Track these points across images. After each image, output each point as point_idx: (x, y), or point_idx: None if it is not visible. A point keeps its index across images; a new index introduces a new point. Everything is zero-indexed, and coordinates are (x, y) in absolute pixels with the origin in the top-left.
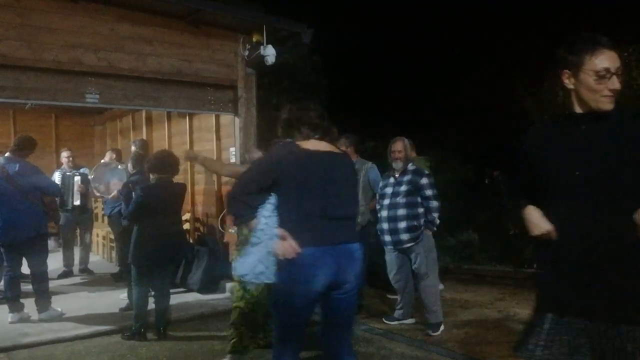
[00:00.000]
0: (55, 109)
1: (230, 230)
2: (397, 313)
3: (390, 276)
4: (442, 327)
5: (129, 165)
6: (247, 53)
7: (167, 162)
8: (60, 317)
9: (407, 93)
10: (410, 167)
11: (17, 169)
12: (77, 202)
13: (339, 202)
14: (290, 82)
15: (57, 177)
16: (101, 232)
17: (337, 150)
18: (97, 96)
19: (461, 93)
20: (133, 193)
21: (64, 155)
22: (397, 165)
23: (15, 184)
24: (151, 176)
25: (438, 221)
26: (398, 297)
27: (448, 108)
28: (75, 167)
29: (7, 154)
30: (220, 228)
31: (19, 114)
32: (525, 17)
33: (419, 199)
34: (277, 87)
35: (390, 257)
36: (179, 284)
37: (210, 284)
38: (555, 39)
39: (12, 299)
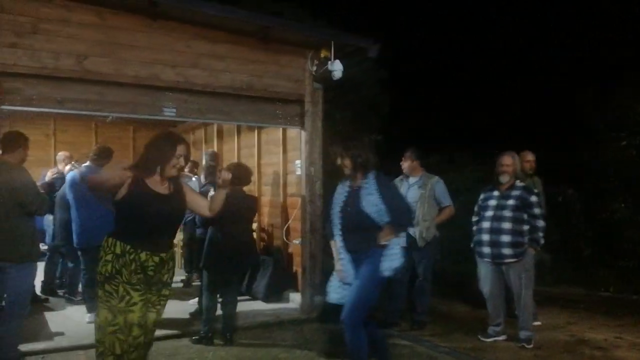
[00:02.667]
0: (134, 122)
1: (294, 241)
2: (492, 330)
3: (484, 290)
4: (532, 342)
5: (202, 177)
6: (314, 68)
7: (241, 174)
8: None
9: (473, 106)
10: (519, 183)
11: None
12: None
13: None
14: (354, 96)
15: None
16: None
17: None
18: (174, 110)
19: (530, 107)
20: None
21: None
22: (504, 178)
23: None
24: None
25: (543, 241)
26: (491, 314)
27: (519, 123)
28: None
29: (87, 163)
30: (285, 239)
31: (100, 126)
32: (593, 27)
33: (525, 216)
34: (342, 101)
35: (486, 270)
36: (244, 291)
37: (274, 293)
38: (625, 51)
39: (90, 299)
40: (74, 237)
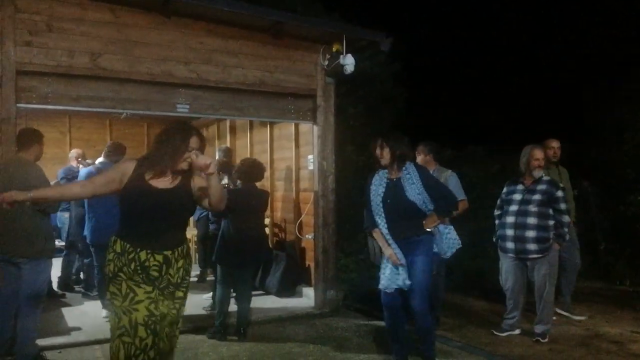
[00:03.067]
0: (147, 118)
1: (307, 236)
2: (506, 324)
3: (506, 285)
4: (547, 336)
5: None
6: (326, 63)
7: (254, 170)
8: None
9: (483, 101)
10: (545, 177)
11: None
12: None
13: None
14: (367, 91)
15: None
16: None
17: None
18: (187, 106)
19: (549, 98)
20: None
21: None
22: (539, 173)
23: None
24: (238, 181)
25: (568, 237)
26: (508, 307)
27: (527, 118)
28: None
29: (101, 159)
30: (297, 233)
31: (114, 123)
32: (599, 23)
33: (551, 211)
34: (354, 95)
35: (508, 265)
36: (257, 286)
37: (287, 288)
38: (631, 48)
39: (105, 296)
40: (88, 233)
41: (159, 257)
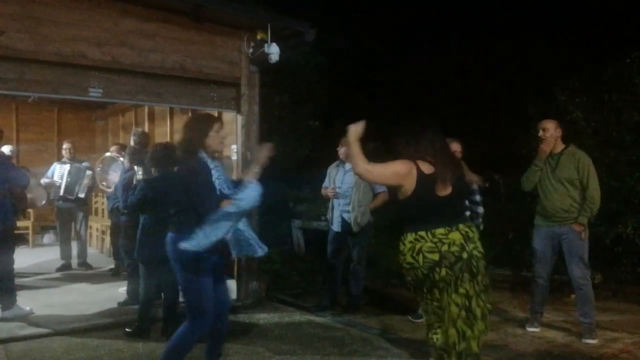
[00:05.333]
0: (58, 103)
1: None
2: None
3: None
4: None
5: (125, 161)
6: (251, 51)
7: (170, 154)
8: (27, 316)
9: (409, 94)
10: None
11: None
12: (81, 195)
13: None
14: (292, 81)
15: (58, 168)
16: (100, 225)
17: None
18: (100, 90)
19: (466, 97)
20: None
21: (65, 147)
22: None
23: None
24: (153, 170)
25: (482, 227)
26: None
27: (450, 111)
28: (75, 159)
29: None
30: None
31: (21, 107)
32: (533, 25)
33: (467, 203)
34: (281, 85)
35: None
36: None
37: None
38: (563, 49)
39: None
40: None
41: None
